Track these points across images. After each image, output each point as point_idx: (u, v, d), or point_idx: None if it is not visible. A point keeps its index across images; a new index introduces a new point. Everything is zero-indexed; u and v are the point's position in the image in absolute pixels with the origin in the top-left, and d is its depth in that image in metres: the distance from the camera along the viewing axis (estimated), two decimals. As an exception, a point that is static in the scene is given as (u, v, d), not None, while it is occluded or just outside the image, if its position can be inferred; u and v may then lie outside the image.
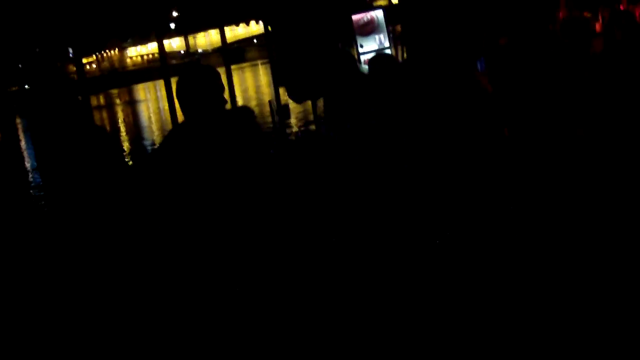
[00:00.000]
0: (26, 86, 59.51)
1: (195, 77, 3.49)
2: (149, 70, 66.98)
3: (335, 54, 4.56)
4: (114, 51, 78.21)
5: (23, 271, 6.67)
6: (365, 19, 9.69)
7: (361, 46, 9.61)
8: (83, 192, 3.61)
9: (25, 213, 12.32)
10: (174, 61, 73.16)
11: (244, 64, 66.47)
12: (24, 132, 35.42)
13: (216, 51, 65.34)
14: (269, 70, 46.20)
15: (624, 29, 6.05)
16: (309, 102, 9.19)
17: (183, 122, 3.53)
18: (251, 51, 72.78)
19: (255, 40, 76.32)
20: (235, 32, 74.53)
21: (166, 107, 36.76)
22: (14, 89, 58.23)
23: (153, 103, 41.67)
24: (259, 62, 62.20)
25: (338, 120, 4.20)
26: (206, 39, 77.85)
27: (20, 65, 62.43)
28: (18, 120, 41.26)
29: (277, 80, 7.45)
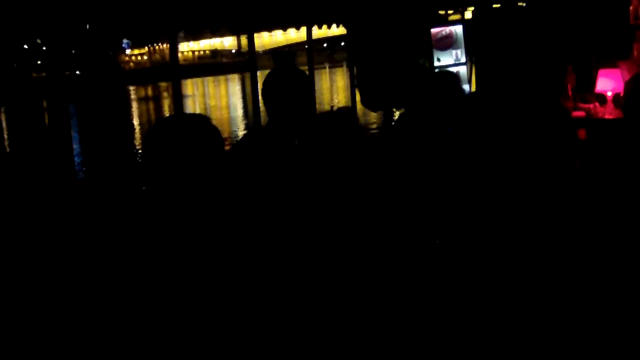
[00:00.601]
0: (77, 72, 60.55)
1: (285, 82, 3.37)
2: (198, 66, 67.64)
3: (413, 68, 4.39)
4: (166, 44, 78.99)
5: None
6: (443, 33, 9.42)
7: (438, 60, 9.37)
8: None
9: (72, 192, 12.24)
10: (224, 59, 73.80)
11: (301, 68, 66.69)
12: (73, 117, 35.72)
13: (267, 53, 65.67)
14: (323, 76, 46.55)
15: None
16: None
17: (267, 125, 3.44)
18: (302, 56, 73.08)
19: (307, 46, 76.70)
20: (287, 36, 74.90)
21: (212, 103, 37.22)
22: (65, 73, 59.18)
23: (200, 99, 41.86)
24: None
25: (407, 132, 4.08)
26: (258, 40, 78.41)
27: (73, 51, 63.63)
28: (67, 105, 41.63)
29: (356, 85, 7.31)
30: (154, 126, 2.49)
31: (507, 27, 10.02)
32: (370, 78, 6.82)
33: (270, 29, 67.08)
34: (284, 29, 69.92)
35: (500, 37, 9.93)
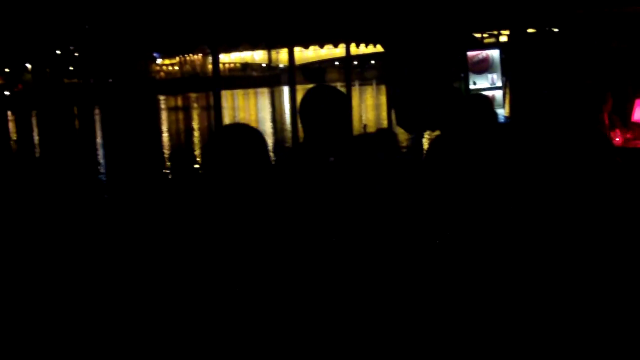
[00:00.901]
0: (109, 80, 61.27)
1: (325, 100, 3.35)
2: (230, 79, 68.05)
3: (448, 91, 4.40)
4: (197, 56, 79.65)
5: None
6: (479, 57, 9.37)
7: (474, 83, 9.33)
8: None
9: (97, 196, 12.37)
10: (254, 73, 74.30)
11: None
12: (101, 122, 36.10)
13: (298, 68, 65.97)
14: (353, 94, 46.79)
15: None
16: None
17: (304, 141, 3.46)
18: (332, 72, 73.28)
19: (337, 62, 76.93)
20: (318, 52, 75.27)
21: (242, 116, 37.43)
22: (97, 80, 59.99)
23: (229, 111, 42.02)
24: (339, 84, 62.68)
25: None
26: (288, 55, 78.76)
27: (105, 58, 64.45)
28: (97, 111, 42.15)
29: (392, 106, 7.31)
30: (216, 132, 2.84)
31: (542, 51, 9.97)
32: (406, 99, 6.78)
33: (306, 45, 67.73)
34: (321, 46, 70.44)
35: (535, 61, 9.88)
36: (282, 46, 64.10)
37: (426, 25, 7.37)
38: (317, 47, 73.86)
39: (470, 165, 4.29)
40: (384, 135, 3.75)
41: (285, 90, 52.47)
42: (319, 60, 76.98)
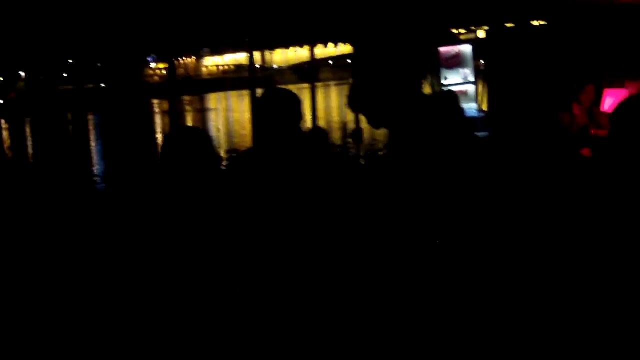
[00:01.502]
0: (102, 84, 61.23)
1: (276, 103, 3.43)
2: (222, 81, 67.94)
3: (412, 87, 4.45)
4: (191, 59, 79.58)
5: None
6: (452, 52, 9.52)
7: (445, 78, 9.46)
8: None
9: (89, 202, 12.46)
10: (246, 74, 74.19)
11: (318, 84, 66.79)
12: (95, 127, 36.16)
13: (291, 69, 65.92)
14: (342, 92, 46.70)
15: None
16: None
17: (253, 147, 3.64)
18: (325, 72, 73.16)
19: (330, 62, 76.73)
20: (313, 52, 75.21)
21: (236, 117, 37.41)
22: (90, 86, 59.93)
23: (222, 113, 42.12)
24: (332, 83, 62.56)
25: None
26: (282, 56, 78.58)
27: (99, 65, 64.40)
28: (90, 117, 42.16)
29: (352, 105, 7.23)
30: (168, 135, 3.03)
31: (520, 46, 10.08)
32: (366, 95, 6.80)
33: (271, 48, 67.76)
34: (287, 48, 70.43)
35: (513, 56, 9.97)
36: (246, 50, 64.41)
37: (398, 22, 7.44)
38: (310, 47, 73.90)
39: (428, 160, 4.32)
40: (316, 135, 3.88)
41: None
42: (312, 60, 76.78)
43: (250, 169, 3.45)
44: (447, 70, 9.59)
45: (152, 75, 75.19)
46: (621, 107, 4.15)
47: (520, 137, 6.02)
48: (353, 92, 4.15)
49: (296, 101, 3.50)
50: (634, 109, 4.10)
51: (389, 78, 5.35)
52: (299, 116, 3.51)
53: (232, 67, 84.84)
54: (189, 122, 34.48)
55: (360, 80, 4.42)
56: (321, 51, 73.68)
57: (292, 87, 4.30)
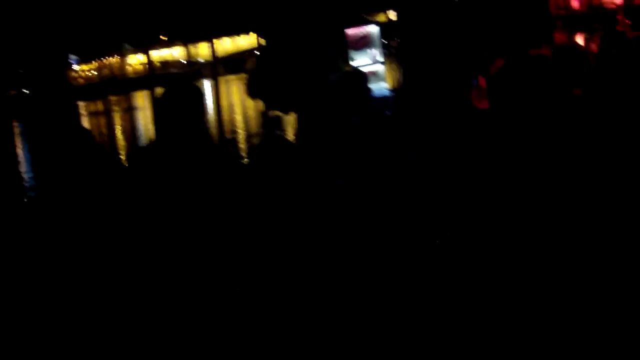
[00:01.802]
0: (25, 90, 59.61)
1: (176, 97, 3.49)
2: (148, 78, 66.84)
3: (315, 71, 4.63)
4: (115, 58, 78.05)
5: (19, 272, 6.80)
6: (359, 34, 9.72)
7: (352, 60, 9.63)
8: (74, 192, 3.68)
9: (20, 213, 12.32)
10: (173, 70, 73.26)
11: (244, 75, 66.23)
12: (20, 135, 35.40)
13: (218, 62, 65.26)
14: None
15: (617, 51, 6.03)
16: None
17: (154, 140, 3.56)
18: (251, 63, 72.59)
19: (257, 52, 76.07)
20: (238, 44, 74.54)
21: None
22: (12, 93, 58.31)
23: (150, 111, 41.66)
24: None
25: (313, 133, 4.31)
26: (209, 49, 77.67)
27: (20, 70, 62.60)
28: (15, 124, 41.16)
29: (252, 92, 7.14)
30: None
31: (427, 23, 10.34)
32: (278, 80, 6.87)
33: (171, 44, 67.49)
34: (185, 44, 70.17)
35: (420, 33, 10.22)
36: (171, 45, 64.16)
37: (298, 8, 7.55)
38: (235, 38, 73.39)
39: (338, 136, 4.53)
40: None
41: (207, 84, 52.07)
42: (239, 52, 76.06)
43: (150, 162, 3.52)
44: (355, 52, 9.78)
45: (76, 78, 73.65)
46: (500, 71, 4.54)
47: (427, 112, 6.34)
48: (251, 78, 4.27)
49: (199, 94, 3.59)
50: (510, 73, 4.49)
51: (291, 63, 5.53)
52: (201, 109, 3.58)
53: (158, 64, 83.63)
54: (117, 122, 34.06)
55: (260, 65, 4.55)
56: (247, 42, 73.20)
57: (221, 80, 4.31)
